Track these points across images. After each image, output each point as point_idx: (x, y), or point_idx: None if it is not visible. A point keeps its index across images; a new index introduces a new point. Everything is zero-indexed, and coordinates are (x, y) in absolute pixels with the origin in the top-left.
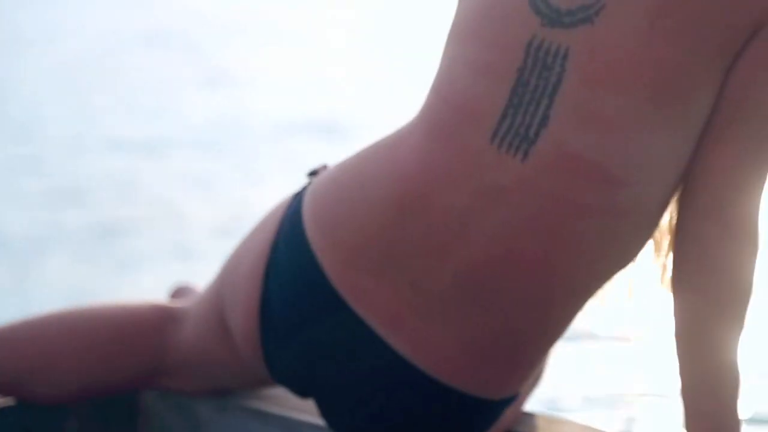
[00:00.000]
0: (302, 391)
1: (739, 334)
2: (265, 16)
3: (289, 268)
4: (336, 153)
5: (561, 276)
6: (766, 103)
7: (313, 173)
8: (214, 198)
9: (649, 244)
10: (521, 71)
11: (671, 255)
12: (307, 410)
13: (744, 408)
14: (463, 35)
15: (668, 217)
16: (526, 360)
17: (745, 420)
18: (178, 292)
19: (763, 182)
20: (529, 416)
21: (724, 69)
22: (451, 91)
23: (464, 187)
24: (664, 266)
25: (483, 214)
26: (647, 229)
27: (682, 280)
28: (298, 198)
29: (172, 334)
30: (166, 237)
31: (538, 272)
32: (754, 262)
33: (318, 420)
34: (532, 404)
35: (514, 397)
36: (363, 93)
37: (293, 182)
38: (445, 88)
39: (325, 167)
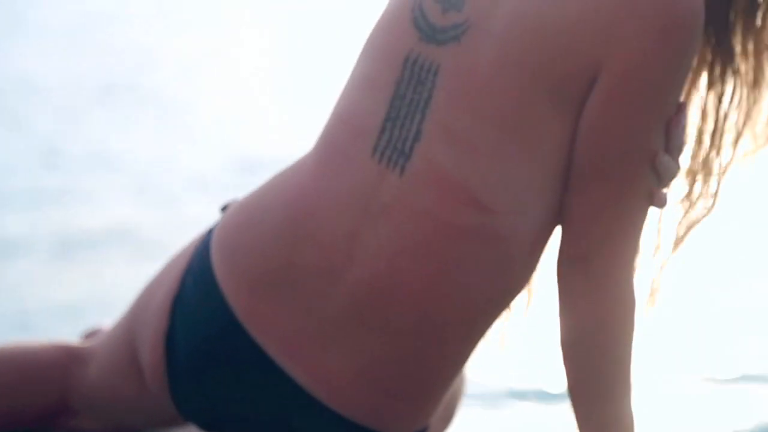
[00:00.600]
0: (209, 426)
1: (623, 384)
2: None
3: (194, 299)
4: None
5: (445, 301)
6: (615, 158)
7: (224, 208)
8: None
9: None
10: (398, 84)
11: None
12: None
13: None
14: (361, 50)
15: None
16: (420, 393)
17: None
18: (91, 334)
19: (632, 233)
20: None
21: (571, 113)
22: (341, 107)
23: (351, 206)
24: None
25: (369, 233)
26: (529, 261)
27: (561, 330)
28: (209, 232)
29: (77, 374)
30: None
31: (422, 296)
32: (628, 310)
33: None
34: None
35: None
36: (286, 127)
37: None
38: (338, 105)
39: (235, 201)
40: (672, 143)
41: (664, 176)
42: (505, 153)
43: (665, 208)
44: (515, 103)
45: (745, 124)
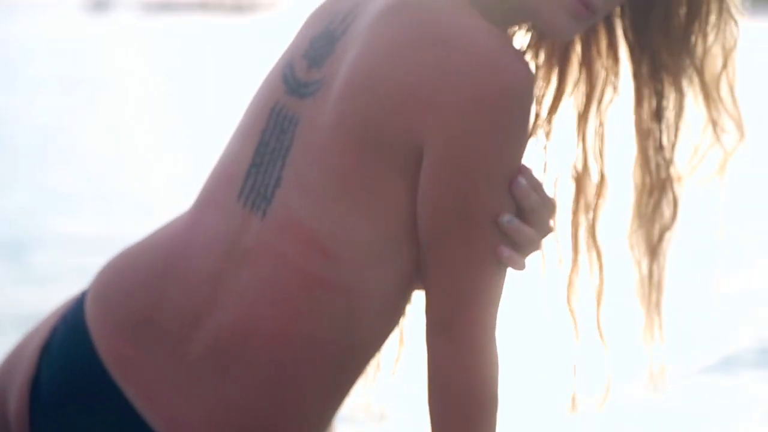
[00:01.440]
0: None
1: None
2: None
3: (63, 343)
4: None
5: (298, 351)
6: (452, 224)
7: None
8: None
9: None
10: (263, 133)
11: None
12: None
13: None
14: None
15: None
16: None
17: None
18: None
19: (487, 297)
20: None
21: (410, 176)
22: (220, 157)
23: (216, 249)
24: None
25: (232, 277)
26: (384, 315)
27: (427, 392)
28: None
29: None
30: None
31: (276, 344)
32: (490, 375)
33: None
34: None
35: None
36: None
37: None
38: (219, 155)
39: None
40: (522, 206)
41: (519, 239)
42: (346, 207)
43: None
44: (353, 161)
45: (677, 131)
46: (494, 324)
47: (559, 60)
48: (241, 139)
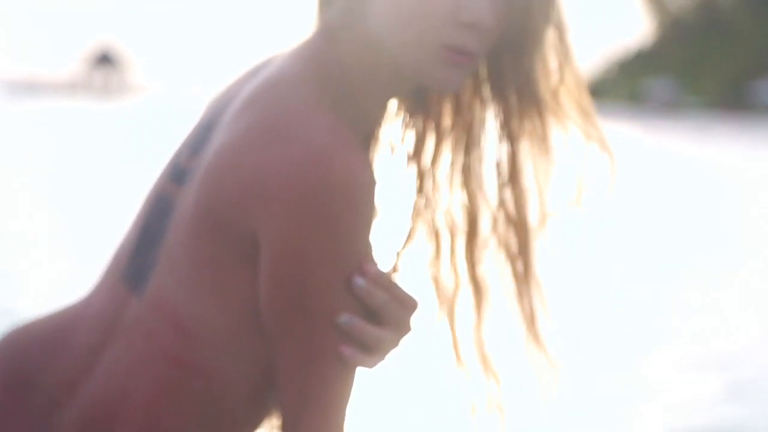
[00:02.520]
0: None
1: None
2: None
3: None
4: None
5: (166, 430)
6: (288, 321)
7: None
8: None
9: None
10: (149, 217)
11: None
12: None
13: None
14: None
15: None
16: None
17: None
18: None
19: (331, 397)
20: None
21: (253, 271)
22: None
23: (101, 325)
24: None
25: (110, 351)
26: (247, 401)
27: None
28: None
29: None
30: None
31: (141, 422)
32: None
33: None
34: None
35: None
36: None
37: None
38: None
39: None
40: (368, 305)
41: (363, 340)
42: (204, 292)
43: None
44: (206, 249)
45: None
46: (341, 424)
47: (434, 112)
48: (133, 223)
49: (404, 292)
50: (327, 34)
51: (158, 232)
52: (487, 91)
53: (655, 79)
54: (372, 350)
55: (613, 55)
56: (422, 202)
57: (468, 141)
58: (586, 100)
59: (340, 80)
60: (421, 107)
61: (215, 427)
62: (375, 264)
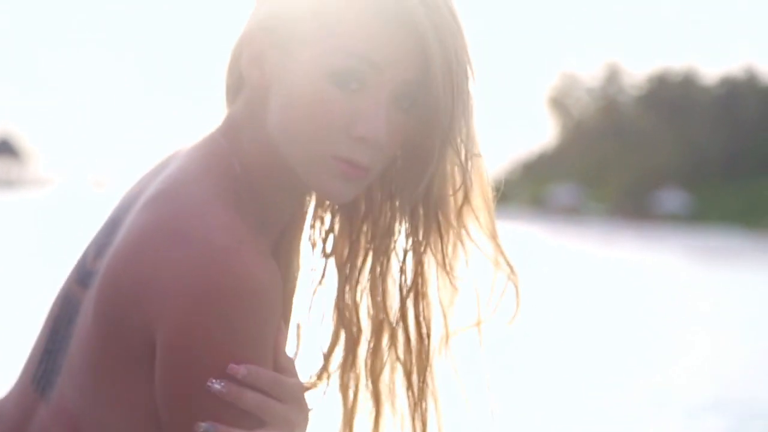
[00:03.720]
0: None
1: None
2: None
3: None
4: None
5: None
6: (178, 423)
7: None
8: None
9: None
10: (57, 320)
11: None
12: None
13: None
14: None
15: None
16: None
17: None
18: None
19: None
20: None
21: (150, 373)
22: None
23: (10, 430)
24: None
25: None
26: None
27: None
28: None
29: None
30: None
31: None
32: None
33: None
34: None
35: None
36: None
37: None
38: None
39: None
40: (241, 406)
41: None
42: (102, 397)
43: None
44: (104, 353)
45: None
46: None
47: (344, 219)
48: (44, 323)
49: (287, 390)
50: (230, 131)
51: (65, 337)
52: (395, 201)
53: (559, 185)
54: None
55: (518, 158)
56: (338, 301)
57: (376, 247)
58: (491, 223)
59: (241, 178)
60: (334, 208)
61: None
62: (262, 364)
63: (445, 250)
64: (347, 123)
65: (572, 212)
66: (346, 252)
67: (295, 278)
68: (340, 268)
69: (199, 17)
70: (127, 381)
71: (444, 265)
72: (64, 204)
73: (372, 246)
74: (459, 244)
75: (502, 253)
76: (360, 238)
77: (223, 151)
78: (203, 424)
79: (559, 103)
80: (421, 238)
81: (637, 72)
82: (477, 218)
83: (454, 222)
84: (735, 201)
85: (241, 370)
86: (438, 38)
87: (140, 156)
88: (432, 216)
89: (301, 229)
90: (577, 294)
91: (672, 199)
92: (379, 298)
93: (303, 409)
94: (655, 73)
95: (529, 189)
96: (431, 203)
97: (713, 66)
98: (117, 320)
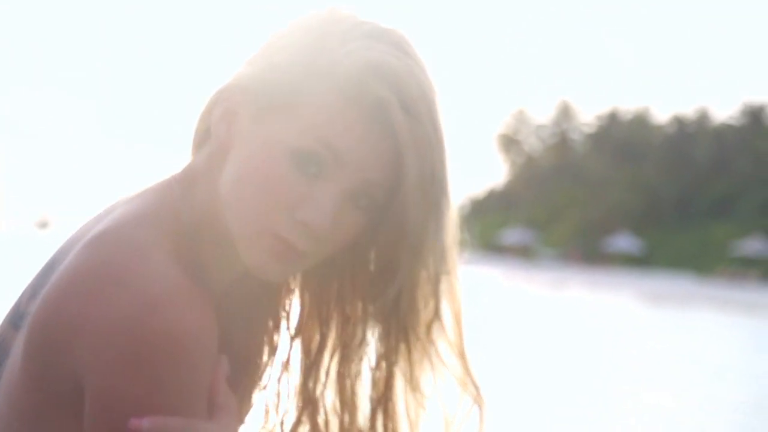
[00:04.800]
0: None
1: None
2: None
3: None
4: None
5: None
6: None
7: None
8: None
9: None
10: None
11: None
12: None
13: None
14: None
15: None
16: None
17: None
18: None
19: None
20: None
21: (79, 421)
22: None
23: None
24: None
25: None
26: None
27: None
28: None
29: None
30: None
31: None
32: None
33: None
34: None
35: None
36: None
37: None
38: None
39: None
40: None
41: None
42: None
43: None
44: (30, 400)
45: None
46: None
47: (313, 299)
48: None
49: None
50: (186, 179)
51: None
52: (367, 305)
53: (511, 228)
54: None
55: (468, 196)
56: (302, 389)
57: (344, 346)
58: (460, 341)
59: (186, 228)
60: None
61: None
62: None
63: (412, 364)
64: (294, 204)
65: (525, 255)
66: (316, 339)
67: (253, 346)
68: (306, 352)
69: (164, 66)
70: (54, 426)
71: (411, 380)
72: (5, 245)
73: (341, 343)
74: (426, 359)
75: (469, 374)
76: (330, 327)
77: (174, 198)
78: None
79: (510, 141)
80: (390, 347)
81: (589, 111)
82: (446, 335)
83: (422, 336)
84: (686, 244)
85: (144, 423)
86: (416, 151)
87: (89, 198)
88: (401, 327)
89: (260, 296)
90: (530, 334)
91: (623, 242)
92: (347, 398)
93: None
94: (606, 112)
95: (480, 228)
96: (400, 314)
97: (664, 106)
98: (45, 363)
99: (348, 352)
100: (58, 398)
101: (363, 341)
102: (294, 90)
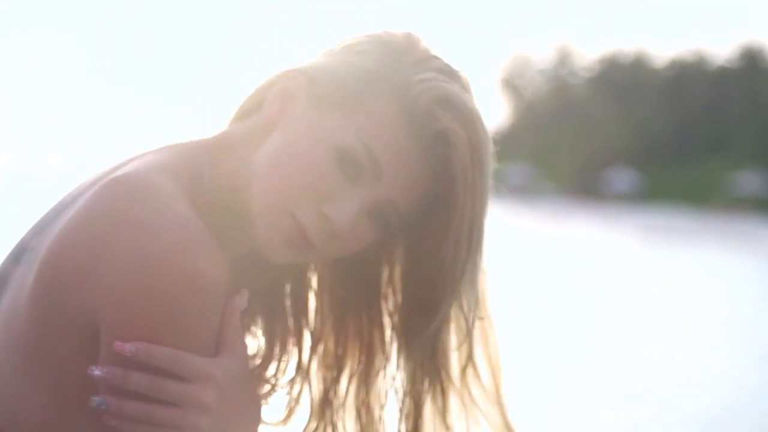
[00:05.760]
0: None
1: None
2: None
3: None
4: None
5: None
6: None
7: None
8: None
9: None
10: None
11: None
12: None
13: None
14: None
15: None
16: None
17: None
18: None
19: None
20: None
21: (90, 358)
22: None
23: None
24: None
25: None
26: None
27: None
28: None
29: None
30: None
31: None
32: None
33: None
34: None
35: None
36: None
37: None
38: None
39: None
40: (130, 389)
41: (131, 417)
42: (26, 379)
43: None
44: (38, 335)
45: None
46: None
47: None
48: None
49: (193, 368)
50: (217, 146)
51: None
52: (402, 342)
53: (512, 165)
54: (162, 427)
55: None
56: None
57: (367, 377)
58: (497, 385)
59: (205, 192)
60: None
61: None
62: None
63: (443, 406)
64: (324, 196)
65: (526, 191)
66: (331, 347)
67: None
68: (326, 365)
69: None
70: (59, 359)
71: (444, 420)
72: (15, 183)
73: (360, 370)
74: (459, 403)
75: (508, 424)
76: (347, 349)
77: (200, 160)
78: (96, 399)
79: (511, 85)
80: (425, 386)
81: (589, 54)
82: (480, 381)
83: (455, 381)
84: (683, 181)
85: (127, 347)
86: (472, 192)
87: (101, 145)
88: (435, 370)
89: (255, 282)
90: (532, 272)
91: (622, 178)
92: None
93: (227, 391)
94: (606, 55)
95: None
96: (436, 357)
97: (663, 50)
98: (58, 299)
99: (369, 383)
100: (68, 332)
101: (382, 370)
102: (359, 93)
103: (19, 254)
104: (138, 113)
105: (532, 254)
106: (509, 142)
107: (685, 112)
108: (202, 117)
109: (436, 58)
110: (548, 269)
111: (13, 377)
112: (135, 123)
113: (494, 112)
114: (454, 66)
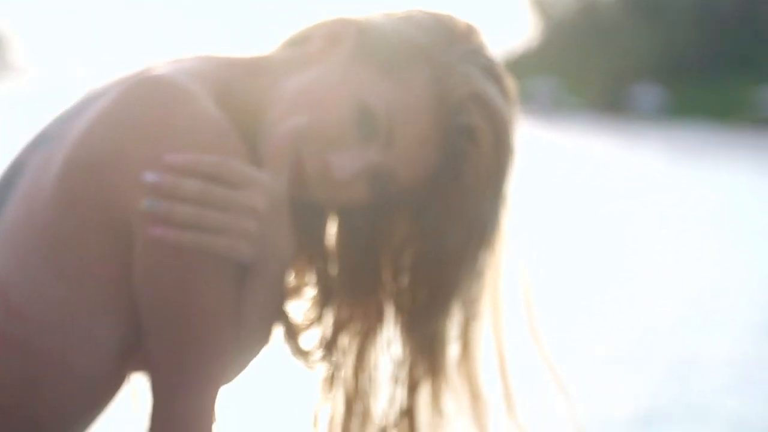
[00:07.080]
0: None
1: None
2: None
3: None
4: None
5: None
6: (165, 315)
7: None
8: None
9: None
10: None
11: None
12: None
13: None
14: None
15: None
16: None
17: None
18: None
19: (211, 378)
20: None
21: (118, 254)
22: None
23: None
24: None
25: None
26: (88, 390)
27: None
28: None
29: None
30: None
31: None
32: None
33: None
34: None
35: None
36: None
37: None
38: None
39: None
40: (181, 198)
41: (186, 221)
42: (46, 266)
43: None
44: (60, 221)
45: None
46: (213, 404)
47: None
48: None
49: (238, 174)
50: (258, 66)
51: (2, 199)
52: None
53: (539, 80)
54: (212, 231)
55: (499, 56)
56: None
57: (360, 360)
58: (478, 385)
59: (234, 106)
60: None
61: (40, 413)
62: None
63: (434, 394)
64: (333, 144)
65: (552, 106)
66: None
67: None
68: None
69: None
70: (87, 253)
71: (433, 407)
72: (46, 94)
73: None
74: (452, 394)
75: (484, 419)
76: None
77: (233, 75)
78: (146, 201)
79: (540, 3)
80: (412, 371)
81: None
82: (467, 378)
83: (448, 373)
84: (711, 97)
85: (177, 158)
86: (488, 190)
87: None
88: (424, 356)
89: None
90: (555, 187)
91: (649, 94)
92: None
93: (275, 201)
94: None
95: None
96: (427, 344)
97: None
98: (85, 199)
99: (367, 345)
100: (95, 226)
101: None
102: (403, 62)
103: (39, 142)
104: (171, 33)
105: (556, 169)
106: (537, 59)
107: (714, 29)
108: (237, 40)
109: (487, 56)
110: (570, 186)
111: (31, 259)
112: (168, 43)
113: (523, 31)
114: (502, 69)
